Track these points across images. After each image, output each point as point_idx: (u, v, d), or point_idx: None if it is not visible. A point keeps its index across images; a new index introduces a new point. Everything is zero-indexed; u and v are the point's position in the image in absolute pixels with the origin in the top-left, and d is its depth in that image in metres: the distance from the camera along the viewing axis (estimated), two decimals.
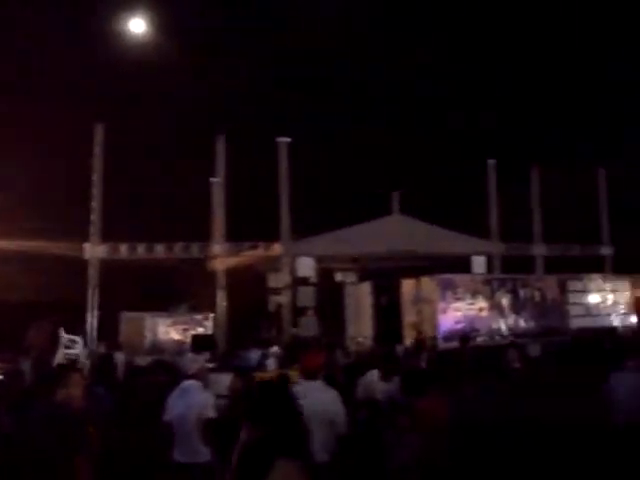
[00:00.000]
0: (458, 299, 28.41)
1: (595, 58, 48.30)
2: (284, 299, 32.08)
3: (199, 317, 31.01)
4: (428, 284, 28.24)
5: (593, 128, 47.46)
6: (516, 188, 38.36)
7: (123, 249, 30.79)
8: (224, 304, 31.90)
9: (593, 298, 33.32)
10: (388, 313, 29.34)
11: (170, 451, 7.68)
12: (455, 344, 27.06)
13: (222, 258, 31.94)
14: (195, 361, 8.24)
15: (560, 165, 38.79)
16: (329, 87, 44.30)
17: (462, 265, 33.21)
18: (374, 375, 10.84)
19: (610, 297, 34.00)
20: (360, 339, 29.94)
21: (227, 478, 4.14)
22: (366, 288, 31.08)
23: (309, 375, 6.95)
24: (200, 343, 26.17)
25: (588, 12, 46.70)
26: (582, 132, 46.89)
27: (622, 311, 34.35)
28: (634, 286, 35.28)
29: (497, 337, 28.85)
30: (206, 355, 12.95)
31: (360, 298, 31.23)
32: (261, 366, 17.37)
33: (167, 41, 35.67)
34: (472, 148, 41.76)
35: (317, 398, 6.73)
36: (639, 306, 35.24)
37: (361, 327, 30.70)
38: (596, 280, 34.10)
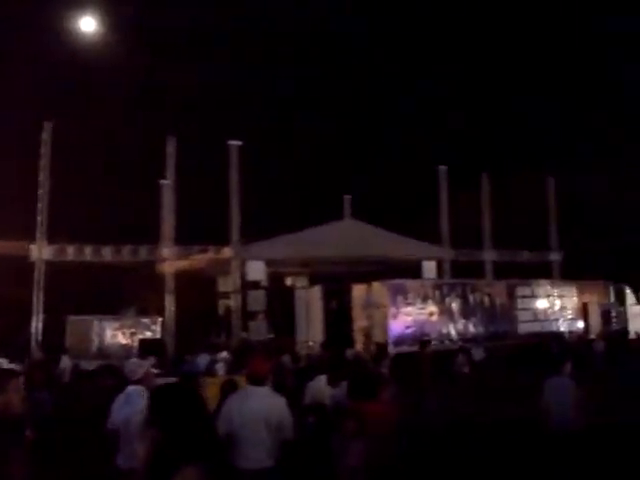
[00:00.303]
0: (409, 304, 28.45)
1: (546, 69, 49.08)
2: (234, 303, 31.83)
3: (147, 321, 30.59)
4: (379, 289, 28.23)
5: (543, 137, 48.25)
6: (467, 194, 38.71)
7: (70, 251, 30.24)
8: (173, 308, 31.53)
9: (541, 303, 33.70)
10: (339, 318, 29.25)
11: (114, 457, 7.49)
12: (405, 348, 27.24)
13: (171, 261, 31.57)
14: (140, 366, 8.01)
15: (510, 172, 39.32)
16: (281, 91, 44.20)
17: (413, 270, 33.36)
18: (322, 380, 10.73)
19: (558, 302, 34.40)
20: (310, 343, 29.83)
21: None
22: (317, 292, 30.95)
23: (256, 381, 6.87)
24: (148, 347, 25.84)
25: (545, 24, 47.47)
26: (532, 140, 47.64)
27: (570, 316, 34.80)
28: (581, 292, 35.79)
29: (447, 342, 28.98)
30: (151, 360, 12.69)
31: (311, 302, 31.09)
32: (210, 371, 17.14)
33: (119, 40, 35.20)
34: (424, 155, 42.05)
35: (264, 403, 6.68)
36: (586, 311, 35.76)
37: (311, 331, 30.57)
38: (544, 286, 34.51)
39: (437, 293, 29.68)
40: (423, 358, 15.87)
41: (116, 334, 29.71)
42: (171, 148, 32.01)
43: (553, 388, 9.29)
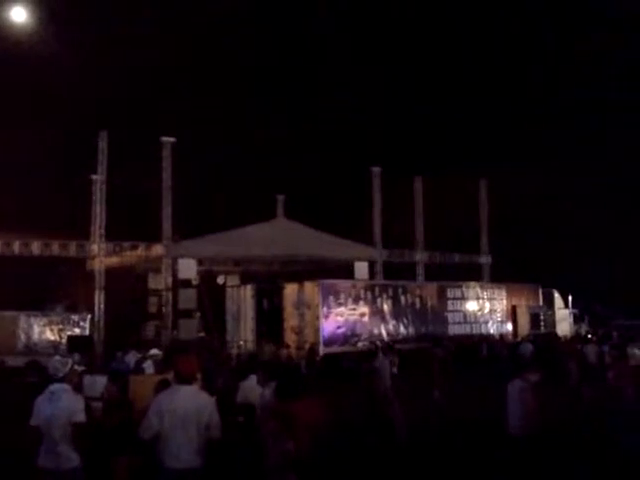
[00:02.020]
0: (340, 304, 28.61)
1: (480, 69, 49.86)
2: (165, 301, 31.49)
3: (76, 317, 30.04)
4: (311, 289, 28.32)
5: (477, 140, 49.01)
6: (399, 196, 39.07)
7: None
8: (102, 305, 30.99)
9: (471, 305, 34.28)
10: (270, 317, 29.25)
11: (35, 456, 7.33)
12: (336, 348, 27.40)
13: (101, 257, 31.04)
14: (64, 364, 7.85)
15: (443, 174, 39.85)
16: (215, 87, 43.90)
17: (345, 270, 33.55)
18: (253, 379, 10.74)
19: (487, 305, 35.06)
20: (241, 342, 29.75)
21: None
22: (249, 291, 30.87)
23: (183, 379, 6.81)
24: (76, 344, 25.41)
25: (478, 25, 48.21)
26: (466, 143, 48.35)
27: (499, 319, 35.49)
28: (511, 295, 36.51)
29: (377, 342, 29.17)
30: (76, 357, 12.48)
31: (242, 301, 31.00)
32: (138, 369, 16.87)
33: (50, 32, 34.42)
34: (358, 155, 42.30)
35: (192, 402, 6.64)
36: (515, 314, 36.48)
37: (243, 330, 30.49)
38: (474, 288, 35.12)
39: (369, 294, 29.94)
40: (432, 357, 15.83)
41: (44, 330, 29.10)
42: (103, 143, 31.46)
43: (515, 391, 9.29)
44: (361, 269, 34.58)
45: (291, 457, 6.88)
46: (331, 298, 28.36)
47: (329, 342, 27.46)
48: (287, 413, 7.23)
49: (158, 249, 31.37)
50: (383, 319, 30.10)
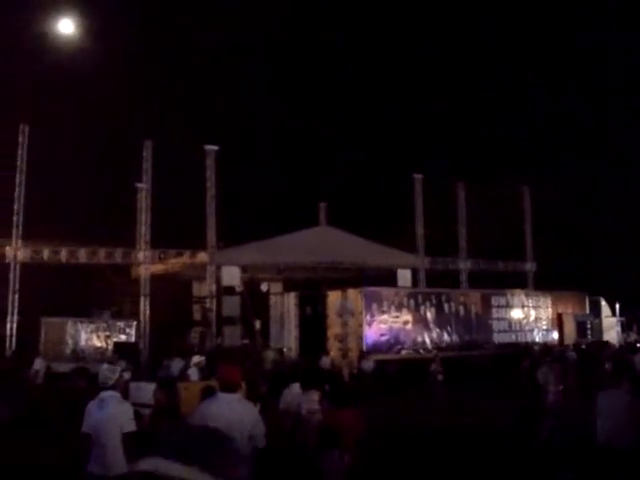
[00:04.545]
0: (383, 312, 28.50)
1: (518, 79, 49.49)
2: (208, 308, 31.74)
3: (122, 324, 30.40)
4: (354, 296, 28.26)
5: (519, 146, 48.62)
6: (442, 203, 38.86)
7: (45, 252, 30.02)
8: (147, 311, 31.36)
9: (516, 313, 33.84)
10: (313, 324, 29.26)
11: (85, 462, 7.45)
12: (380, 356, 27.28)
13: (146, 265, 31.41)
14: (113, 371, 7.98)
15: (486, 181, 39.54)
16: (259, 95, 44.21)
17: (387, 278, 33.45)
18: (296, 387, 10.76)
19: (533, 313, 34.57)
20: (285, 349, 29.82)
21: None
22: (292, 299, 30.96)
23: (227, 388, 6.82)
24: (122, 350, 25.72)
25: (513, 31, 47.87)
26: (508, 149, 47.99)
27: (544, 327, 34.99)
28: (556, 302, 35.98)
29: (421, 350, 29.06)
30: (122, 364, 12.64)
31: (285, 309, 31.11)
32: (183, 376, 17.02)
33: (96, 43, 35.03)
34: (400, 162, 42.22)
35: (234, 412, 6.62)
36: (561, 322, 35.92)
37: (286, 338, 30.58)
38: (519, 295, 34.67)
39: (412, 301, 29.77)
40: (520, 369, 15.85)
41: (91, 336, 29.50)
42: (148, 151, 31.88)
43: (608, 401, 8.98)
44: (404, 276, 34.45)
45: (345, 468, 6.91)
46: (374, 305, 28.27)
47: (372, 350, 27.34)
48: (338, 421, 7.26)
49: (202, 257, 31.66)
50: (426, 327, 29.88)
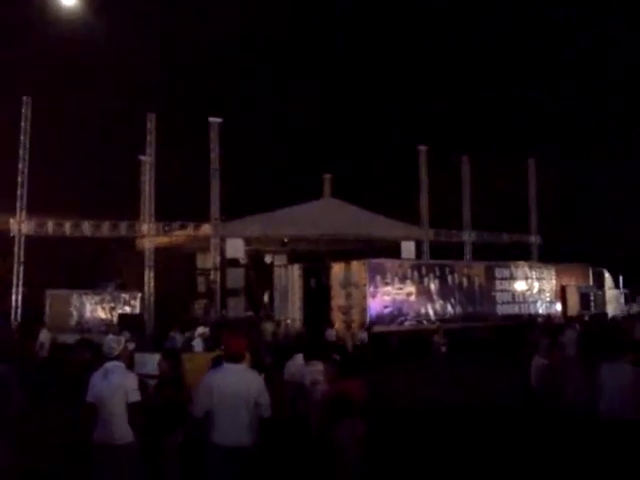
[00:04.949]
0: (387, 284, 28.52)
1: (531, 51, 49.10)
2: (213, 280, 31.82)
3: (126, 296, 30.52)
4: (358, 268, 28.26)
5: (525, 119, 48.36)
6: (447, 175, 38.75)
7: (50, 225, 30.07)
8: (152, 283, 31.46)
9: (520, 285, 33.85)
10: (317, 296, 29.29)
11: (91, 432, 7.52)
12: (383, 327, 27.39)
13: (150, 237, 31.45)
14: (118, 342, 8.01)
15: (491, 154, 39.38)
16: (263, 69, 43.98)
17: (392, 250, 33.45)
18: (299, 358, 10.81)
19: (536, 285, 34.58)
20: (289, 321, 29.92)
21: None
22: (296, 271, 30.98)
23: (233, 358, 6.86)
24: (127, 322, 25.84)
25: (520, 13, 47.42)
26: (514, 122, 47.74)
27: (548, 299, 35.03)
28: (560, 275, 35.97)
29: (425, 322, 29.14)
30: (127, 335, 12.70)
31: (290, 280, 31.15)
32: (187, 347, 17.16)
33: (100, 15, 34.79)
34: (405, 134, 42.06)
35: (241, 381, 6.71)
36: (564, 294, 35.95)
37: (290, 309, 30.65)
38: (523, 268, 34.64)
39: (416, 273, 29.77)
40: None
41: (95, 308, 29.65)
42: (151, 124, 31.78)
43: (612, 373, 9.00)
44: (408, 249, 34.45)
45: (362, 436, 6.96)
46: (378, 277, 28.28)
47: (376, 321, 27.43)
48: (347, 392, 7.33)
49: (206, 229, 31.67)
50: (430, 299, 29.91)
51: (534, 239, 41.00)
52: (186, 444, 8.09)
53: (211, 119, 32.01)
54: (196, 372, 8.85)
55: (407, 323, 28.75)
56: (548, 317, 33.07)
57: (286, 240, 33.07)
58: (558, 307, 35.49)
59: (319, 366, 9.65)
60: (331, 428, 7.18)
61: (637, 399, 8.79)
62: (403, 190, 38.85)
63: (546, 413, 10.81)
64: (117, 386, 7.40)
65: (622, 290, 39.43)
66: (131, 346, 10.96)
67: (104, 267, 34.56)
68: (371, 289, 27.86)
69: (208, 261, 32.80)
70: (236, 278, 30.99)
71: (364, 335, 25.39)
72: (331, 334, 23.73)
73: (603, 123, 49.44)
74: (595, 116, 49.38)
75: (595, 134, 48.24)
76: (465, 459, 10.16)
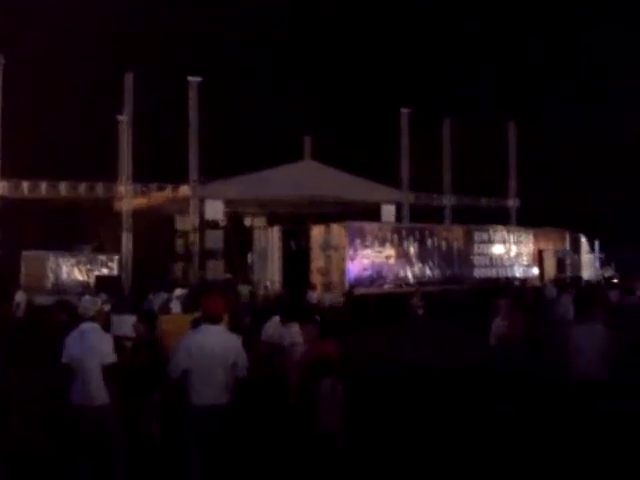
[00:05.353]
0: (366, 246, 28.51)
1: (511, 14, 48.83)
2: (191, 242, 31.66)
3: (103, 258, 30.30)
4: (337, 231, 28.21)
5: (506, 82, 48.22)
6: (428, 139, 38.60)
7: (25, 187, 29.68)
8: (130, 245, 31.23)
9: (498, 249, 34.01)
10: (297, 258, 29.25)
11: (67, 393, 7.45)
12: (362, 290, 27.45)
13: (128, 199, 31.15)
14: (93, 303, 7.90)
15: (472, 117, 39.27)
16: (243, 28, 43.38)
17: (372, 213, 33.41)
18: (276, 320, 10.81)
19: (514, 248, 34.76)
20: (268, 283, 29.88)
21: None
22: (275, 233, 30.87)
23: (211, 319, 6.85)
24: (104, 284, 25.69)
25: None
26: (495, 85, 47.61)
27: (525, 263, 35.24)
28: (537, 239, 36.17)
29: (403, 285, 29.23)
30: (103, 297, 12.62)
31: (269, 243, 31.04)
32: (165, 309, 17.03)
33: None
34: (387, 96, 41.79)
35: (219, 342, 6.72)
36: (541, 258, 36.21)
37: (269, 272, 30.59)
38: (501, 231, 34.79)
39: (395, 236, 29.76)
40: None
41: (72, 270, 29.40)
42: (129, 83, 31.28)
43: (584, 334, 9.01)
44: (388, 212, 34.44)
45: (341, 397, 7.02)
46: (358, 240, 28.26)
47: (355, 284, 27.47)
48: (326, 353, 7.35)
49: (185, 190, 31.42)
50: (409, 262, 29.97)
51: (513, 203, 41.11)
52: (164, 405, 8.07)
53: (190, 78, 31.57)
54: (174, 334, 8.77)
55: (386, 286, 28.81)
56: (524, 280, 33.30)
57: (266, 202, 32.88)
58: (535, 271, 35.73)
59: (296, 327, 9.68)
60: (312, 387, 7.19)
61: (609, 360, 8.86)
62: (384, 153, 38.71)
63: (501, 376, 10.91)
64: (92, 347, 7.32)
65: (598, 254, 39.85)
66: (107, 307, 10.92)
67: (81, 229, 34.25)
68: (351, 252, 27.84)
69: (187, 223, 32.60)
70: (215, 240, 30.79)
71: (314, 295, 25.32)
72: (312, 296, 23.70)
73: (583, 88, 49.45)
74: (575, 81, 49.35)
75: (575, 98, 48.27)
76: (431, 422, 10.19)
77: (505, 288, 29.83)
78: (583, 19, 51.03)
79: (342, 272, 27.66)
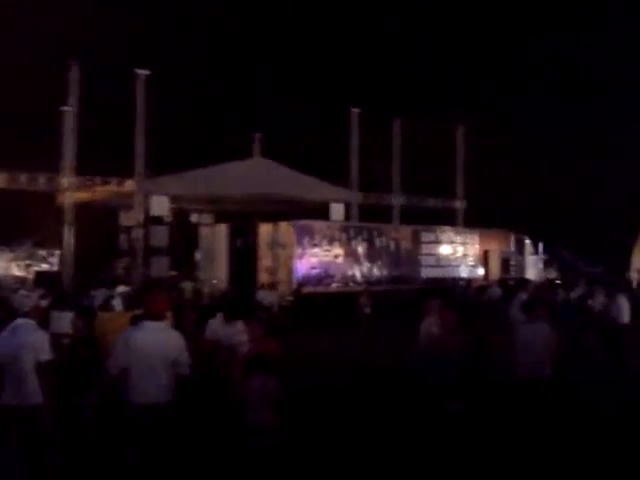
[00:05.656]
0: (315, 245, 28.48)
1: (462, 16, 49.24)
2: (136, 238, 31.06)
3: (44, 253, 29.60)
4: (285, 229, 28.11)
5: (456, 85, 48.62)
6: (377, 138, 38.68)
7: None
8: (72, 241, 30.48)
9: (444, 249, 34.34)
10: (244, 256, 29.04)
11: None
12: (310, 289, 27.34)
13: (71, 192, 30.40)
14: (28, 298, 7.57)
15: (422, 118, 39.44)
16: (191, 21, 42.84)
17: (321, 212, 33.30)
18: (221, 317, 10.66)
19: (460, 249, 35.13)
20: (214, 281, 29.56)
21: None
22: (222, 230, 30.58)
23: (153, 316, 6.77)
24: (43, 280, 25.06)
25: None
26: (445, 88, 47.95)
27: (471, 263, 35.60)
28: (483, 240, 36.61)
29: (351, 284, 29.24)
30: (40, 291, 12.20)
31: (216, 240, 30.71)
32: (107, 306, 16.61)
33: None
34: (338, 95, 41.72)
35: (160, 339, 6.61)
36: (487, 259, 36.70)
37: (215, 269, 30.27)
38: (448, 232, 35.15)
39: (343, 235, 29.79)
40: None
41: (10, 266, 28.67)
42: (74, 74, 30.55)
43: (530, 334, 9.22)
44: (337, 211, 34.34)
45: (273, 393, 6.97)
46: (306, 239, 28.19)
47: (303, 283, 27.38)
48: (266, 350, 7.34)
49: (130, 185, 30.81)
50: (357, 261, 30.04)
51: (460, 204, 41.45)
52: (102, 404, 7.87)
53: (138, 71, 30.96)
54: (115, 331, 8.56)
55: (334, 285, 28.83)
56: (469, 280, 33.59)
57: (213, 199, 32.45)
58: (481, 271, 36.17)
59: (240, 325, 9.64)
60: (243, 383, 7.17)
61: (553, 358, 9.11)
62: (334, 152, 38.66)
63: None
64: (25, 344, 6.99)
65: (541, 256, 40.65)
66: (44, 303, 10.52)
67: (21, 222, 33.35)
68: (299, 250, 27.79)
69: (131, 218, 31.96)
70: (160, 237, 30.24)
71: (288, 297, 25.19)
72: (261, 295, 23.34)
73: (531, 92, 50.17)
74: (521, 84, 50.03)
75: (523, 102, 48.93)
76: (372, 420, 10.17)
77: (450, 288, 30.17)
78: (528, 24, 51.79)
79: (290, 271, 27.59)
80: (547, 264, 41.11)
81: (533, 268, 39.43)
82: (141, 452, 6.41)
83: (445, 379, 10.44)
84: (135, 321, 8.18)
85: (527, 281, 33.14)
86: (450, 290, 29.55)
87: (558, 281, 32.96)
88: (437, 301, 11.78)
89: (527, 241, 39.41)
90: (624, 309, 16.33)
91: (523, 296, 15.94)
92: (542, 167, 47.35)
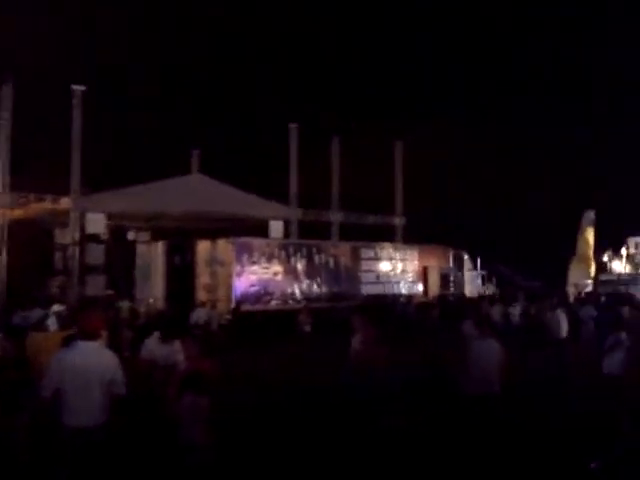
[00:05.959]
0: (254, 262, 28.38)
1: (403, 30, 49.81)
2: (71, 256, 30.46)
3: None
4: (224, 246, 27.95)
5: (394, 101, 49.14)
6: (316, 155, 38.79)
7: None
8: (4, 259, 29.72)
9: (384, 266, 34.55)
10: (181, 274, 28.75)
11: None
12: (249, 307, 27.19)
13: (3, 209, 29.69)
14: None
15: (361, 135, 39.73)
16: (130, 36, 42.43)
17: (260, 229, 33.18)
18: (157, 336, 10.50)
19: (400, 265, 35.38)
20: (151, 300, 29.16)
21: None
22: (160, 248, 30.22)
23: (87, 335, 6.66)
24: None
25: None
26: (383, 104, 48.43)
27: (410, 279, 35.87)
28: (422, 256, 36.96)
29: (290, 301, 29.18)
30: None
31: (153, 258, 30.33)
32: (41, 326, 16.26)
33: None
34: (276, 111, 41.74)
35: (94, 359, 6.51)
36: (426, 275, 37.04)
37: (153, 287, 29.88)
38: (387, 248, 35.38)
39: (283, 253, 29.78)
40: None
41: None
42: (8, 88, 29.92)
43: (481, 350, 9.39)
44: (276, 228, 34.24)
45: (205, 411, 6.97)
46: (245, 256, 28.08)
47: (242, 300, 27.23)
48: (200, 369, 7.32)
49: (66, 202, 30.24)
50: (297, 278, 30.03)
51: (399, 221, 41.79)
52: (34, 426, 7.68)
53: (74, 86, 30.49)
54: (49, 351, 8.37)
55: (273, 302, 28.75)
56: (410, 297, 33.85)
57: (150, 216, 32.07)
58: (420, 287, 36.49)
59: (177, 344, 9.55)
60: (176, 401, 7.13)
61: (500, 373, 9.27)
62: (273, 168, 38.63)
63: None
64: None
65: (479, 272, 41.27)
66: None
67: None
68: (237, 268, 27.67)
69: (67, 236, 31.34)
70: (96, 255, 29.71)
71: (227, 315, 25.01)
72: (200, 314, 23.00)
73: (467, 108, 50.97)
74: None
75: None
76: (311, 437, 10.20)
77: (390, 304, 30.40)
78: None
79: (228, 288, 27.42)
80: (486, 279, 41.75)
81: (472, 284, 40.02)
82: (73, 474, 6.27)
83: (372, 393, 10.40)
84: (68, 341, 8.02)
85: (462, 295, 33.83)
86: (390, 306, 29.86)
87: (497, 296, 33.49)
88: (358, 317, 11.83)
89: (466, 257, 39.99)
90: (562, 324, 16.72)
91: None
92: (476, 182, 48.10)
